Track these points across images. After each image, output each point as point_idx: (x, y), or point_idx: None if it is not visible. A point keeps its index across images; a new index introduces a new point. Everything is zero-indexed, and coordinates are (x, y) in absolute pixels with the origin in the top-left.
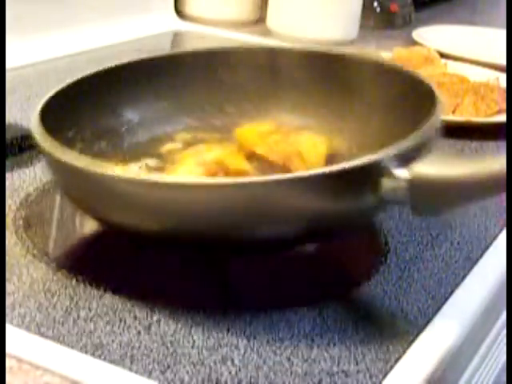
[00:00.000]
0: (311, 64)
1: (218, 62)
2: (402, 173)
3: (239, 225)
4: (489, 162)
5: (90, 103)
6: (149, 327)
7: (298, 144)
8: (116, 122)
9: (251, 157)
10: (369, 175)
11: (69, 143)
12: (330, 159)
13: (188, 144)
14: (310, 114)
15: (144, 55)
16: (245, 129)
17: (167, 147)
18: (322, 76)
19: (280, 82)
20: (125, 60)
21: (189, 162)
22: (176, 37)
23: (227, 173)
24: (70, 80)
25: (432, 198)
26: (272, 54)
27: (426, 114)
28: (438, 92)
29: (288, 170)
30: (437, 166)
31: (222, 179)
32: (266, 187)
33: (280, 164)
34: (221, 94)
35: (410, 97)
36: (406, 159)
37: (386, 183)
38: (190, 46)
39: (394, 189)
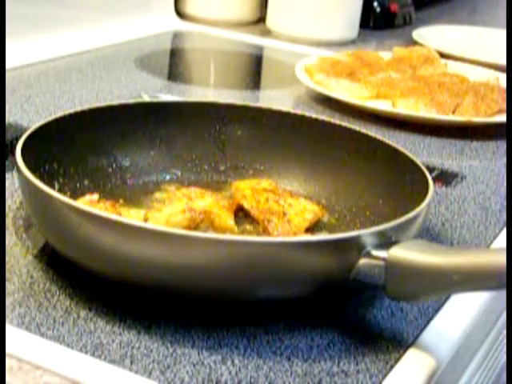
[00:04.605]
0: (317, 131)
1: (217, 115)
2: (379, 253)
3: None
4: (474, 255)
5: (81, 138)
6: (149, 327)
7: (288, 206)
8: (105, 161)
9: (240, 210)
10: (345, 250)
11: (50, 176)
12: (312, 228)
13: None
14: (307, 181)
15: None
16: (242, 182)
17: (154, 196)
18: (326, 146)
19: (282, 145)
20: (127, 100)
21: (176, 205)
22: (176, 37)
23: (210, 226)
24: (66, 111)
25: (407, 282)
26: (277, 116)
27: (417, 198)
28: (430, 179)
29: (265, 228)
30: (416, 251)
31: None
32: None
33: (259, 221)
34: (217, 150)
35: (406, 179)
36: (386, 240)
37: (363, 261)
38: (190, 45)
39: (369, 268)
